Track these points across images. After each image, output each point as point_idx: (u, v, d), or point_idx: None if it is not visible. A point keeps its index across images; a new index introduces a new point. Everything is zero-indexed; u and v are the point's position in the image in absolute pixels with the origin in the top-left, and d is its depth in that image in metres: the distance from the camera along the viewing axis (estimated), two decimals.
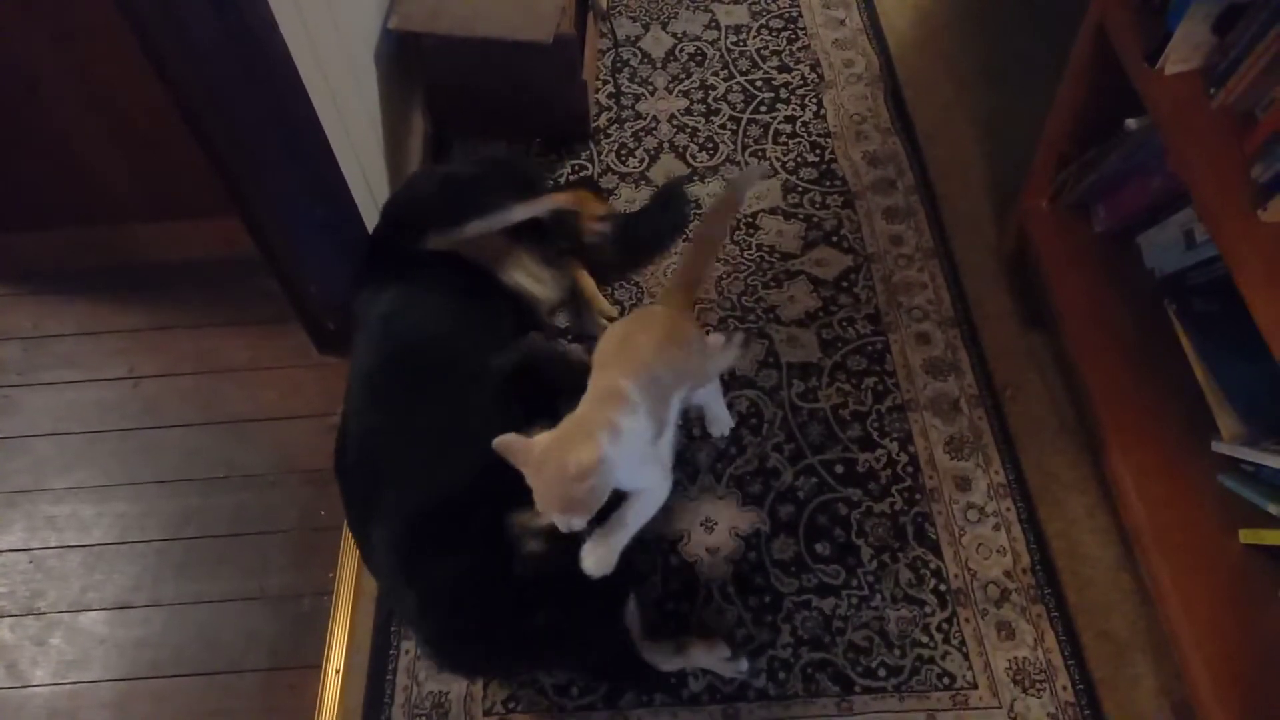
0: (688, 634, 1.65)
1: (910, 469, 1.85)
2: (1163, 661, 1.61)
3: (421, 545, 1.41)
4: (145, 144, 2.02)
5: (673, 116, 2.47)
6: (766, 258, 2.18)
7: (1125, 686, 1.61)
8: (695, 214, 2.24)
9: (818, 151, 2.37)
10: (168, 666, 1.75)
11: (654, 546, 1.77)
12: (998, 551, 1.75)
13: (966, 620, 1.68)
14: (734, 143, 2.40)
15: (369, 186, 1.99)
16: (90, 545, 1.89)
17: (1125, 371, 1.73)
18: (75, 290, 2.27)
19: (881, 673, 1.63)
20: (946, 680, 1.62)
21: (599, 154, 2.40)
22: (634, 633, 1.59)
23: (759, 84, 2.53)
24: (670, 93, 2.53)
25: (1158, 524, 1.57)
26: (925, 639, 1.66)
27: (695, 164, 2.36)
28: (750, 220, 2.25)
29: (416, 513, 1.42)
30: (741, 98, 2.50)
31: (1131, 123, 1.69)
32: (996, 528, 1.77)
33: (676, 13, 2.73)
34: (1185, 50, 1.44)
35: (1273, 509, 1.48)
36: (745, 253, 2.19)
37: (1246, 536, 1.52)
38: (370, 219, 1.93)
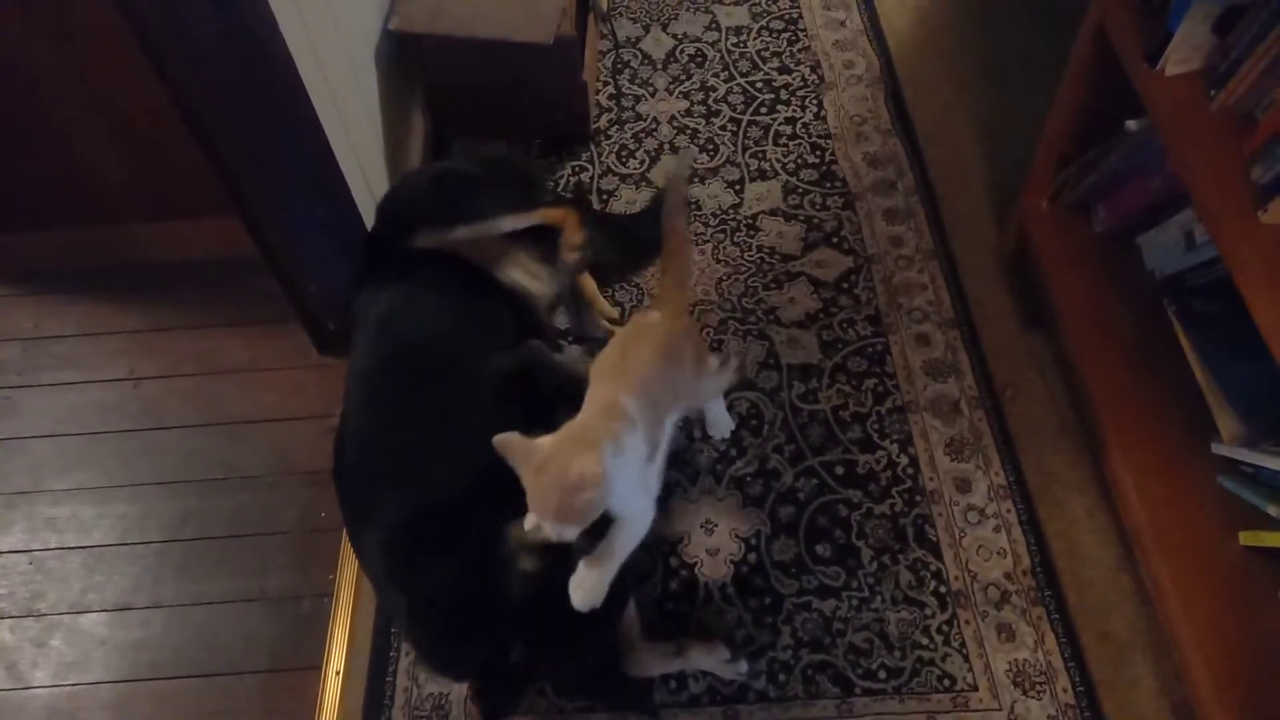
0: (687, 635, 1.64)
1: (910, 470, 1.85)
2: (1163, 662, 1.61)
3: (414, 548, 1.41)
4: (145, 144, 2.02)
5: (673, 118, 2.47)
6: (767, 259, 2.18)
7: (1125, 687, 1.61)
8: (694, 215, 2.25)
9: (818, 153, 2.37)
10: (167, 668, 1.75)
11: (654, 548, 1.77)
12: (998, 553, 1.75)
13: (967, 622, 1.67)
14: (734, 144, 2.40)
15: (369, 187, 1.99)
16: (90, 547, 1.89)
17: (1125, 372, 1.73)
18: (75, 291, 2.27)
19: (882, 674, 1.63)
20: (947, 682, 1.62)
21: (599, 155, 2.40)
22: (633, 634, 1.59)
23: (759, 85, 2.53)
24: (671, 94, 2.53)
25: (1158, 525, 1.57)
26: (925, 641, 1.66)
27: (696, 165, 2.36)
28: (751, 221, 2.25)
29: (411, 515, 1.42)
30: (742, 99, 2.50)
31: (1132, 124, 1.69)
32: (997, 529, 1.77)
33: (677, 14, 2.73)
34: (1185, 51, 1.44)
35: (1272, 511, 1.48)
36: (745, 254, 2.19)
37: (1246, 538, 1.52)
38: (370, 219, 1.93)
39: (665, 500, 1.78)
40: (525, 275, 1.90)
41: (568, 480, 1.11)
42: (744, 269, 2.16)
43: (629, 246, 2.16)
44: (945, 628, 1.67)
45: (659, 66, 2.60)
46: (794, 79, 2.54)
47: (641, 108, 2.50)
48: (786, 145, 2.39)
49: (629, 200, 2.30)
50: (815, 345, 2.03)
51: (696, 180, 2.33)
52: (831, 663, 1.64)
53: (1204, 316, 1.66)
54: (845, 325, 2.06)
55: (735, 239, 2.22)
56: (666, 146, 2.40)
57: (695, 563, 1.76)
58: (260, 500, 1.92)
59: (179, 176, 2.04)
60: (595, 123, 2.46)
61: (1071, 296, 1.85)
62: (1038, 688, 1.61)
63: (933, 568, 1.73)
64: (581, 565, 1.23)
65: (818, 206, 2.27)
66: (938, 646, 1.65)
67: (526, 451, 1.15)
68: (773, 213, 2.26)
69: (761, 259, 2.18)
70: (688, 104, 2.50)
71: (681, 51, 2.63)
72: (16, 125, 2.01)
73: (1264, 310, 1.24)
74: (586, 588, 1.22)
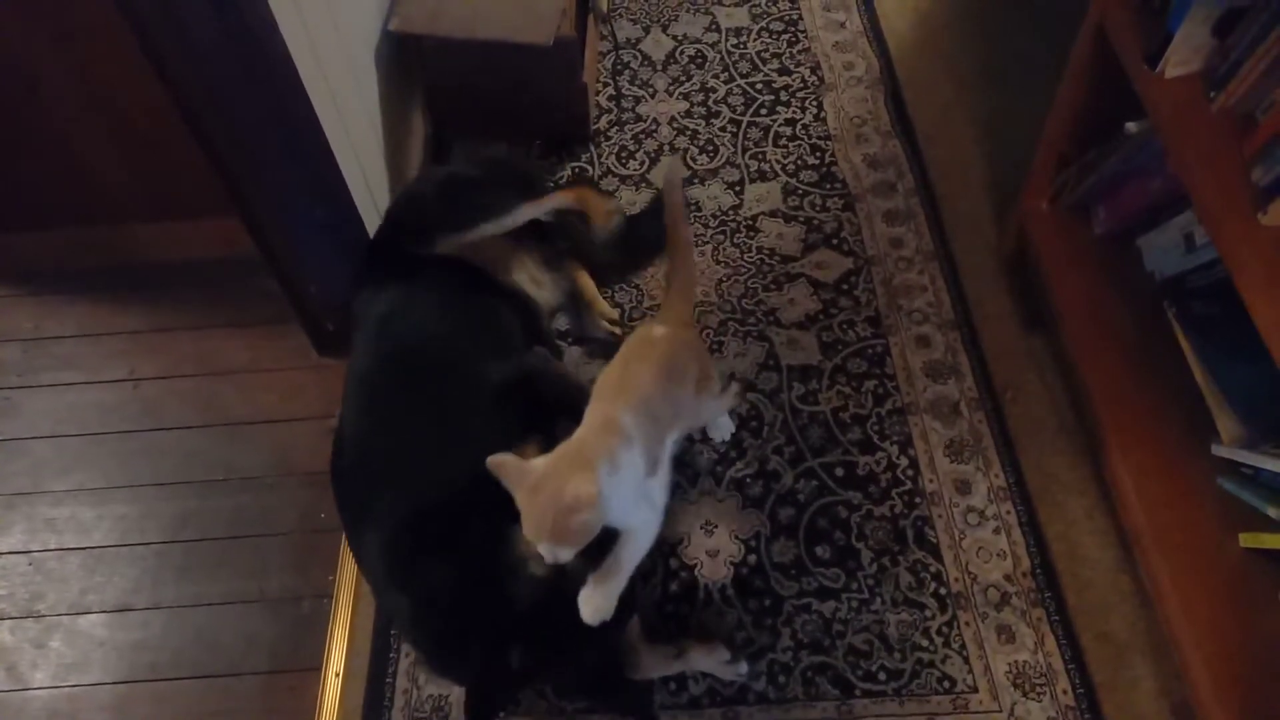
0: (687, 637, 1.64)
1: (910, 472, 1.85)
2: (1163, 663, 1.61)
3: (415, 549, 1.40)
4: (145, 144, 2.02)
5: (673, 119, 2.47)
6: (767, 260, 2.18)
7: (1125, 689, 1.61)
8: (694, 216, 2.25)
9: (818, 154, 2.37)
10: (167, 669, 1.75)
11: (654, 550, 1.76)
12: (998, 555, 1.75)
13: (967, 624, 1.67)
14: (734, 145, 2.40)
15: (369, 187, 1.99)
16: (90, 548, 1.89)
17: (1125, 373, 1.73)
18: (75, 291, 2.27)
19: (881, 676, 1.63)
20: (947, 684, 1.62)
21: (599, 156, 2.40)
22: (633, 636, 1.59)
23: (759, 87, 2.53)
24: (671, 95, 2.53)
25: (1158, 526, 1.57)
26: (925, 642, 1.66)
27: (695, 167, 2.36)
28: (750, 223, 2.25)
29: (411, 515, 1.42)
30: (742, 100, 2.50)
31: (1132, 125, 1.69)
32: (997, 531, 1.77)
33: (677, 15, 2.73)
34: (1186, 53, 1.44)
35: (1272, 513, 1.47)
36: (745, 255, 2.19)
37: (1246, 540, 1.52)
38: (370, 220, 1.93)
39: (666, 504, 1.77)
40: (528, 280, 1.90)
41: (562, 502, 1.10)
42: (744, 270, 2.16)
43: (628, 247, 2.16)
44: (945, 629, 1.67)
45: (659, 68, 2.60)
46: (794, 80, 2.54)
47: (641, 109, 2.50)
48: (786, 146, 2.39)
49: (629, 201, 2.30)
50: (815, 347, 2.03)
51: (696, 181, 2.33)
52: (831, 664, 1.64)
53: (1204, 318, 1.66)
54: (845, 327, 2.06)
55: (735, 240, 2.22)
56: (666, 148, 2.41)
57: (695, 564, 1.76)
58: (260, 501, 1.92)
59: (179, 176, 2.04)
60: (595, 124, 2.46)
61: (1071, 298, 1.85)
62: (1038, 689, 1.61)
63: (933, 569, 1.73)
64: (590, 580, 1.23)
65: (818, 208, 2.27)
66: (938, 648, 1.65)
67: (520, 472, 1.14)
68: (772, 214, 2.26)
69: (761, 260, 2.18)
70: (688, 105, 2.50)
71: (681, 53, 2.63)
72: (16, 125, 2.01)
73: (1264, 312, 1.24)
74: (596, 602, 1.22)
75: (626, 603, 1.27)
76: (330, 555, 1.83)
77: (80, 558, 1.88)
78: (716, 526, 1.80)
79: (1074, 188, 1.90)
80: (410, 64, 2.26)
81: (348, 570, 1.80)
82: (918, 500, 1.81)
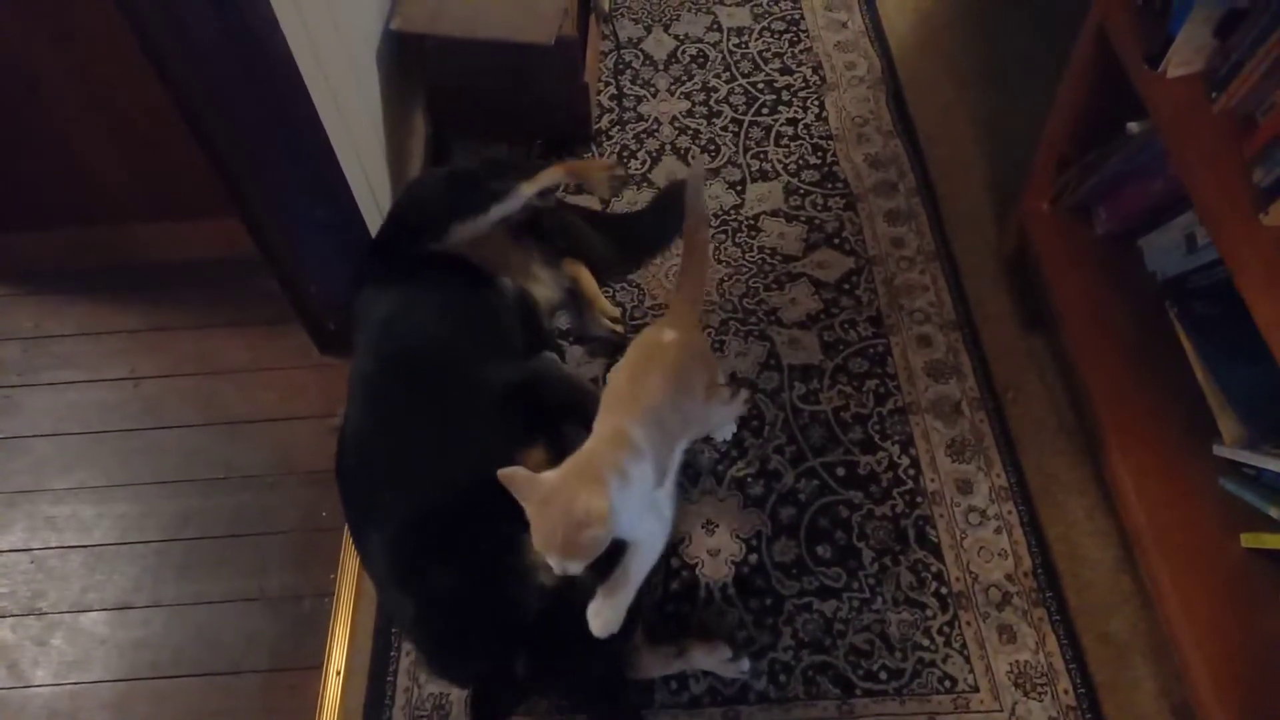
0: (688, 636, 1.64)
1: (911, 472, 1.85)
2: (1163, 664, 1.61)
3: (419, 550, 1.40)
4: (145, 144, 2.02)
5: (674, 119, 2.47)
6: (768, 260, 2.18)
7: (1126, 689, 1.61)
8: None
9: (819, 154, 2.37)
10: (168, 667, 1.75)
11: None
12: (999, 554, 1.75)
13: (968, 623, 1.67)
14: (735, 145, 2.40)
15: (370, 187, 1.99)
16: (91, 546, 1.89)
17: (1126, 374, 1.73)
18: (76, 290, 2.27)
19: (882, 676, 1.63)
20: (948, 683, 1.62)
21: (601, 156, 2.40)
22: (635, 636, 1.59)
23: (761, 86, 2.53)
24: (672, 95, 2.53)
25: (1158, 526, 1.57)
26: (926, 642, 1.66)
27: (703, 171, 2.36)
28: (752, 222, 2.25)
29: (415, 516, 1.42)
30: (743, 100, 2.50)
31: (1133, 126, 1.69)
32: (998, 530, 1.77)
33: (679, 15, 2.73)
34: (1187, 53, 1.44)
35: (1274, 513, 1.48)
36: (747, 255, 2.19)
37: (1248, 540, 1.52)
38: (372, 219, 1.93)
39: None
40: (528, 279, 1.90)
41: (573, 517, 1.10)
42: (745, 270, 2.16)
43: (629, 245, 2.17)
44: (946, 629, 1.67)
45: (660, 67, 2.60)
46: (795, 80, 2.54)
47: (643, 108, 2.50)
48: (788, 146, 2.39)
49: (630, 201, 2.30)
50: (816, 346, 2.03)
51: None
52: (832, 664, 1.64)
53: (1205, 318, 1.66)
54: (846, 326, 2.06)
55: (737, 240, 2.22)
56: (668, 147, 2.41)
57: (696, 563, 1.76)
58: (261, 500, 1.92)
59: (179, 176, 2.04)
60: (597, 124, 2.46)
61: (1072, 298, 1.85)
62: (1039, 689, 1.61)
63: (934, 569, 1.73)
64: (599, 593, 1.23)
65: (819, 207, 2.27)
66: (939, 648, 1.65)
67: (531, 485, 1.14)
68: (774, 213, 2.26)
69: (763, 260, 2.18)
70: (689, 105, 2.50)
71: (683, 52, 2.63)
72: (16, 125, 2.01)
73: (1265, 312, 1.24)
74: (605, 615, 1.22)
75: (632, 613, 1.27)
76: (331, 554, 1.83)
77: (81, 556, 1.88)
78: (717, 525, 1.80)
79: (1075, 188, 1.90)
80: (411, 64, 2.26)
81: (349, 569, 1.80)
82: (919, 500, 1.81)
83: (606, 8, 2.63)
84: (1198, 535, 1.55)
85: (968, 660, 1.64)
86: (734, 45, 2.63)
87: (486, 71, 2.23)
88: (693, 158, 2.38)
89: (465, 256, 1.77)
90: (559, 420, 1.56)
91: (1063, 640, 1.65)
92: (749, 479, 1.85)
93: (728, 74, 2.56)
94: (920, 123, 2.42)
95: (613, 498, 1.13)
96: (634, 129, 2.45)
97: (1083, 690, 1.60)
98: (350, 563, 1.80)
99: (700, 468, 1.86)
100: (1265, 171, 1.30)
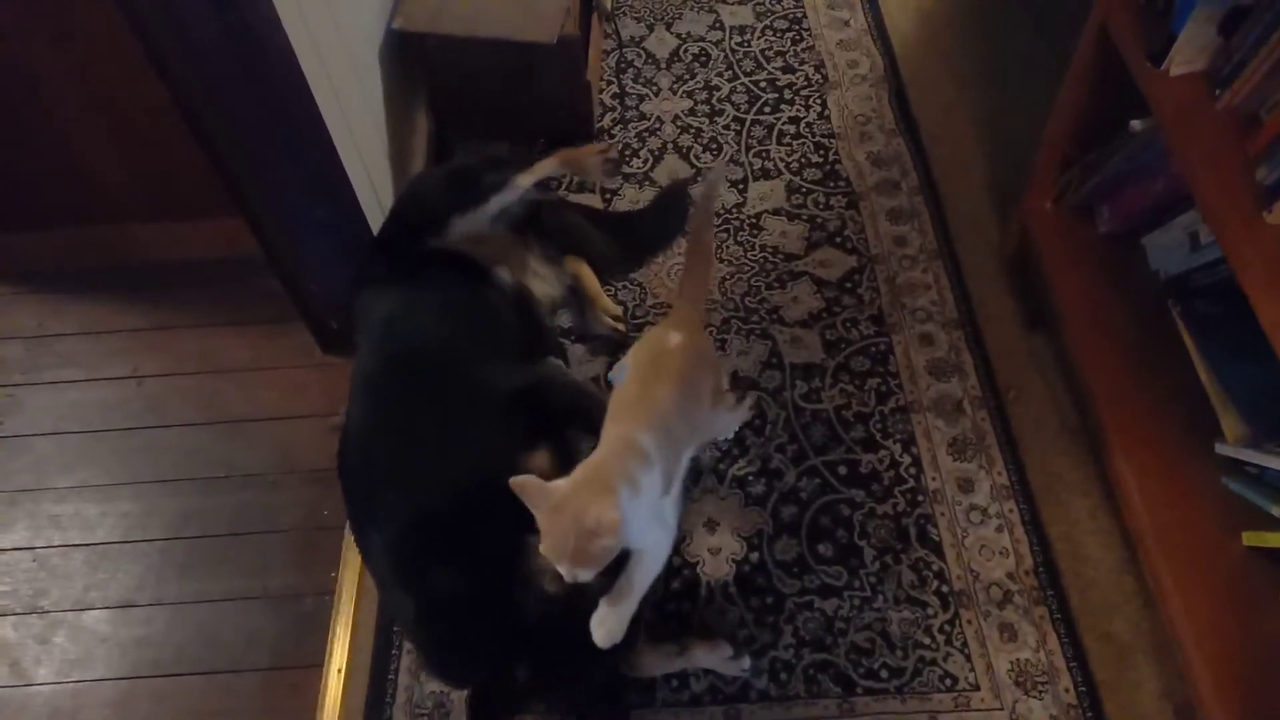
0: (690, 634, 1.64)
1: (913, 470, 1.85)
2: (1165, 663, 1.61)
3: (422, 550, 1.40)
4: (145, 144, 2.02)
5: (677, 117, 2.47)
6: (770, 258, 2.18)
7: (1127, 688, 1.60)
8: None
9: (822, 152, 2.37)
10: (169, 666, 1.75)
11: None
12: (1000, 553, 1.74)
13: (969, 622, 1.67)
14: (738, 143, 2.40)
15: (373, 186, 1.99)
16: (93, 544, 1.89)
17: (1128, 373, 1.73)
18: (77, 289, 2.27)
19: (883, 674, 1.63)
20: (948, 682, 1.62)
21: None
22: (637, 645, 1.59)
23: (763, 85, 2.53)
24: (674, 93, 2.53)
25: (1160, 525, 1.56)
26: (927, 640, 1.66)
27: (699, 165, 2.36)
28: (754, 221, 2.24)
29: (418, 516, 1.42)
30: (745, 98, 2.50)
31: (1136, 124, 1.68)
32: (999, 529, 1.77)
33: (681, 13, 2.72)
34: (1190, 52, 1.43)
35: (1276, 511, 1.47)
36: (749, 253, 2.19)
37: (1249, 539, 1.51)
38: (374, 218, 1.93)
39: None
40: (530, 276, 1.90)
41: (584, 526, 1.10)
42: (747, 268, 2.16)
43: (631, 243, 2.17)
44: (947, 627, 1.67)
45: (663, 66, 2.60)
46: (798, 78, 2.54)
47: (645, 107, 2.50)
48: (790, 144, 2.39)
49: (633, 200, 2.30)
50: (818, 345, 2.03)
51: (699, 180, 2.32)
52: (833, 662, 1.64)
53: (1208, 317, 1.65)
54: (848, 325, 2.05)
55: (738, 238, 2.21)
56: (670, 146, 2.40)
57: (697, 561, 1.76)
58: (262, 499, 1.93)
59: (179, 176, 2.04)
60: (599, 122, 2.46)
61: (1074, 297, 1.84)
62: (1040, 688, 1.61)
63: (935, 567, 1.73)
64: (603, 604, 1.23)
65: (821, 206, 2.26)
66: (940, 646, 1.65)
67: (542, 493, 1.14)
68: (776, 212, 2.26)
69: (765, 258, 2.18)
70: (691, 103, 2.50)
71: (685, 51, 2.63)
72: (16, 125, 2.01)
73: (1268, 311, 1.24)
74: (609, 625, 1.22)
75: (635, 620, 1.27)
76: (332, 552, 1.84)
77: (83, 554, 1.88)
78: (719, 524, 1.80)
79: (1077, 187, 1.90)
80: (413, 63, 2.26)
81: (350, 567, 1.80)
82: (920, 498, 1.81)
83: (609, 6, 2.63)
84: (1200, 534, 1.54)
85: (969, 659, 1.64)
86: (736, 44, 2.63)
87: (488, 70, 2.23)
88: (712, 160, 2.37)
89: (467, 254, 1.77)
90: (564, 425, 1.56)
91: (1064, 639, 1.65)
92: (750, 477, 1.85)
93: (730, 72, 2.56)
94: (922, 121, 2.42)
95: (623, 507, 1.13)
96: (636, 127, 2.45)
97: (1083, 689, 1.60)
98: (351, 561, 1.80)
99: (702, 466, 1.86)
100: (1269, 170, 1.29)
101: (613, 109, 2.49)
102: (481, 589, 1.38)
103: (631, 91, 2.54)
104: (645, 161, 2.38)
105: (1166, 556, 1.53)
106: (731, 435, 1.87)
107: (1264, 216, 1.29)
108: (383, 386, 1.57)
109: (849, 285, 2.12)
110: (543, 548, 1.14)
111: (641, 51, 2.64)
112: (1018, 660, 1.63)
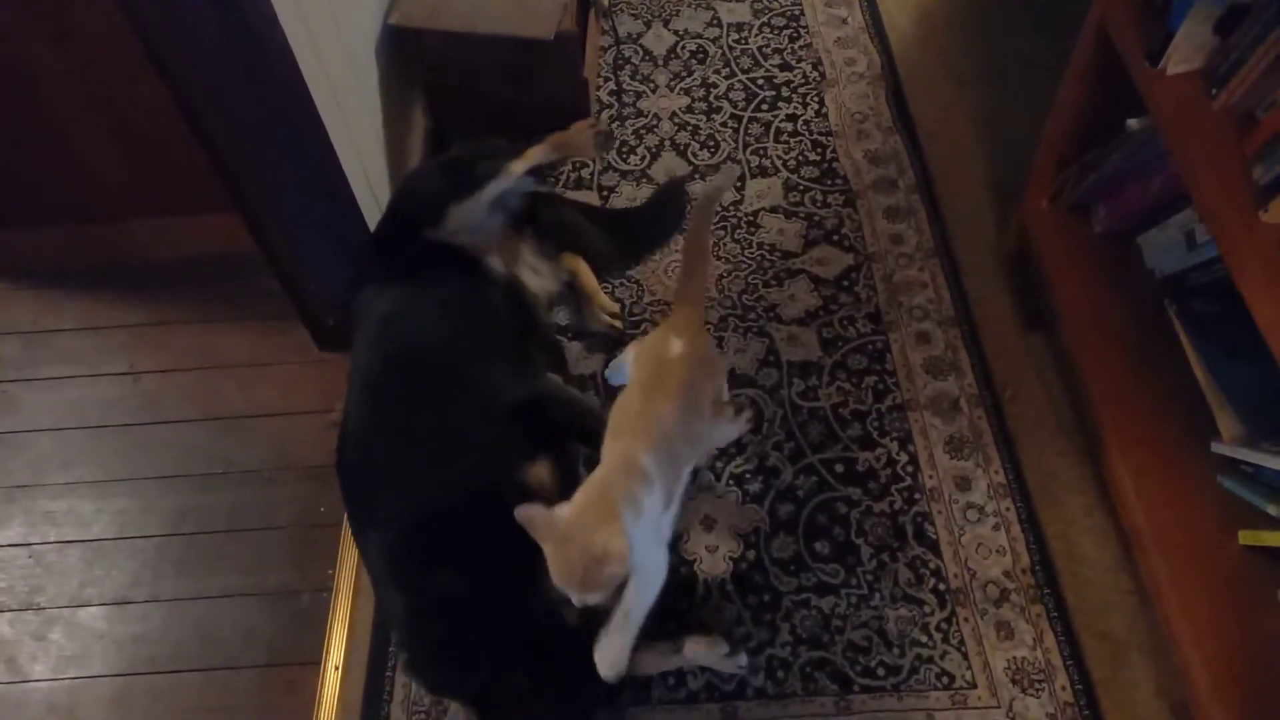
0: (686, 632, 1.64)
1: (910, 468, 1.85)
2: (1161, 662, 1.61)
3: (419, 553, 1.40)
4: (145, 143, 2.02)
5: (674, 114, 2.47)
6: (767, 256, 2.18)
7: (1124, 687, 1.61)
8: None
9: (819, 150, 2.37)
10: (166, 662, 1.75)
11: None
12: (997, 551, 1.75)
13: (965, 620, 1.68)
14: (735, 141, 2.39)
15: (370, 184, 1.99)
16: (89, 541, 1.89)
17: (1125, 372, 1.73)
18: (75, 286, 2.27)
19: (880, 672, 1.63)
20: (945, 680, 1.62)
21: (599, 157, 2.39)
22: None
23: (760, 82, 2.52)
24: (672, 90, 2.52)
25: (1157, 524, 1.57)
26: (924, 638, 1.66)
27: (696, 162, 2.36)
28: (751, 218, 2.24)
29: (416, 517, 1.42)
30: (743, 96, 2.50)
31: (1133, 123, 1.69)
32: (996, 527, 1.77)
33: (678, 10, 2.72)
34: (1187, 51, 1.43)
35: (1272, 510, 1.48)
36: (746, 251, 2.19)
37: (1246, 538, 1.52)
38: (371, 216, 1.93)
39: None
40: (527, 271, 1.90)
41: (592, 554, 1.12)
42: (744, 266, 2.16)
43: (628, 240, 2.16)
44: (944, 625, 1.67)
45: (660, 63, 2.60)
46: (795, 76, 2.53)
47: (642, 104, 2.50)
48: (787, 142, 2.39)
49: (630, 197, 2.30)
50: (815, 342, 2.03)
51: (697, 177, 2.33)
52: (830, 660, 1.65)
53: (1204, 316, 1.66)
54: (845, 323, 2.05)
55: (736, 236, 2.21)
56: (667, 143, 2.40)
57: (694, 559, 1.76)
58: (259, 495, 1.92)
59: (179, 175, 2.04)
60: (596, 119, 2.45)
61: (1071, 296, 1.85)
62: (1036, 686, 1.61)
63: (932, 565, 1.73)
64: (603, 634, 1.23)
65: (818, 204, 2.26)
66: (936, 644, 1.66)
67: (549, 524, 1.16)
68: (773, 210, 2.26)
69: (762, 256, 2.18)
70: (689, 100, 2.50)
71: (683, 48, 2.63)
72: (16, 125, 2.00)
73: (1264, 310, 1.24)
74: (611, 656, 1.22)
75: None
76: (329, 549, 1.84)
77: (80, 551, 1.88)
78: (716, 522, 1.80)
79: (1075, 186, 1.90)
80: (410, 59, 2.25)
81: (347, 564, 1.80)
82: (917, 496, 1.81)
83: (606, 3, 2.63)
84: (1196, 533, 1.55)
85: (965, 657, 1.64)
86: (734, 41, 2.63)
87: (486, 66, 2.22)
88: (710, 157, 2.36)
89: (463, 249, 1.77)
90: (565, 438, 1.56)
91: (1060, 637, 1.65)
92: (747, 475, 1.85)
93: (727, 70, 2.56)
94: (920, 120, 2.42)
95: (631, 534, 1.14)
96: (633, 124, 2.45)
97: (1080, 687, 1.60)
98: (349, 558, 1.80)
99: (698, 464, 1.86)
100: (1265, 169, 1.29)
101: (610, 106, 2.49)
102: (483, 591, 1.38)
103: (629, 88, 2.54)
104: (642, 159, 2.38)
105: (1163, 555, 1.54)
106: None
107: (1260, 215, 1.29)
108: (382, 385, 1.57)
109: (846, 283, 2.12)
110: (552, 576, 1.15)
111: (639, 48, 2.64)
112: (1014, 658, 1.64)
